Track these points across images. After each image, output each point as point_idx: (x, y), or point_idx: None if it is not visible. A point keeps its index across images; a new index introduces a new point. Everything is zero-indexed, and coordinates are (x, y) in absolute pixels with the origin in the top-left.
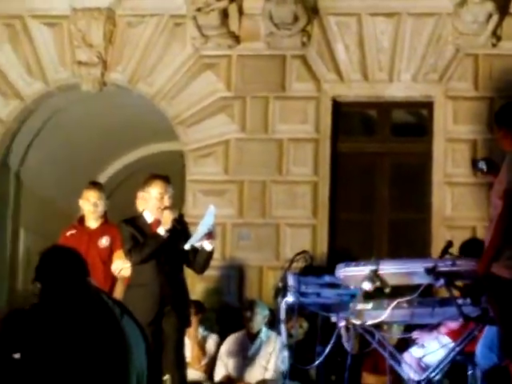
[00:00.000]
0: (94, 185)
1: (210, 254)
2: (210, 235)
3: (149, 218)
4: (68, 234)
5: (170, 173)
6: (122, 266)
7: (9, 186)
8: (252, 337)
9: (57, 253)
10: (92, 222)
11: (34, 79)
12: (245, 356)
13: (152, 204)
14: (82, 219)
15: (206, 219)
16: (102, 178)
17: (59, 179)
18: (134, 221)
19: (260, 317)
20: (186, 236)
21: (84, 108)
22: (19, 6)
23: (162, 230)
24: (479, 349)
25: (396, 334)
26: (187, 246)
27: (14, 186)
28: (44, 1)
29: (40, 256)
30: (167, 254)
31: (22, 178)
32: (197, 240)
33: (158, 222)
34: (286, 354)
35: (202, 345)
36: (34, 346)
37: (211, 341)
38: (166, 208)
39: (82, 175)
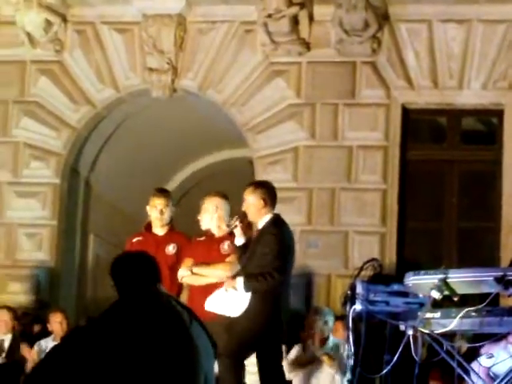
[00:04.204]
0: (161, 192)
1: None
2: None
3: None
4: (134, 240)
5: (238, 180)
6: (184, 274)
7: (78, 192)
8: (319, 344)
9: (130, 258)
10: (158, 229)
11: (105, 85)
12: (312, 364)
13: None
14: (148, 226)
15: None
16: (172, 185)
17: (129, 185)
18: None
19: (328, 324)
20: None
21: (154, 114)
22: (91, 12)
23: None
24: None
25: (464, 343)
26: None
27: (84, 191)
28: (115, 7)
29: (113, 260)
30: None
31: (92, 183)
32: None
33: None
34: (352, 362)
35: None
36: (106, 350)
37: None
38: None
39: (152, 181)
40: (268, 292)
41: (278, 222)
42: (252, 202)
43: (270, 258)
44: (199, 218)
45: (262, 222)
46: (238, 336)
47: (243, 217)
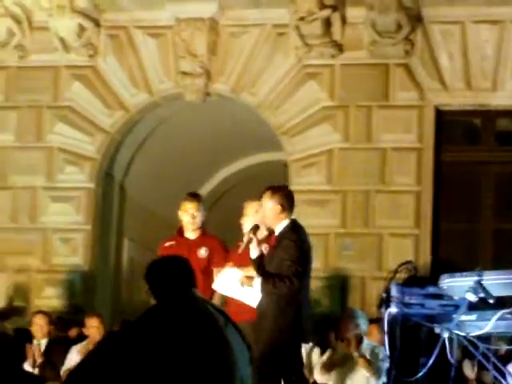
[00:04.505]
0: (193, 196)
1: None
2: None
3: None
4: (167, 244)
5: (273, 183)
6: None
7: (113, 196)
8: (353, 347)
9: (165, 262)
10: (190, 233)
11: (139, 90)
12: (346, 366)
13: None
14: (180, 230)
15: None
16: (206, 188)
17: (163, 189)
18: None
19: (361, 326)
20: None
21: (188, 118)
22: (124, 17)
23: None
24: None
25: (504, 345)
26: None
27: (118, 196)
28: (148, 12)
29: (149, 265)
30: None
31: (126, 187)
32: None
33: None
34: (388, 365)
35: None
36: (142, 355)
37: (314, 353)
38: None
39: (186, 185)
40: (290, 299)
41: (295, 228)
42: (270, 208)
43: (288, 263)
44: (241, 222)
45: (280, 227)
46: (263, 344)
47: (256, 228)
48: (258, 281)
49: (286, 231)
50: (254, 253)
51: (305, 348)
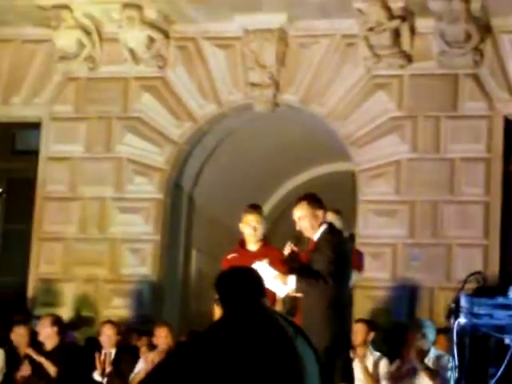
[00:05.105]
0: (254, 208)
1: None
2: None
3: None
4: (230, 257)
5: (341, 193)
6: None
7: (181, 207)
8: (421, 357)
9: (237, 273)
10: (252, 246)
11: (207, 101)
12: (413, 377)
13: None
14: (242, 242)
15: None
16: (275, 198)
17: (232, 200)
18: None
19: (428, 336)
20: None
21: (256, 129)
22: (193, 28)
23: None
24: None
25: None
26: None
27: (187, 206)
28: (217, 23)
29: (219, 275)
30: None
31: (195, 198)
32: None
33: None
34: (457, 375)
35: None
36: (212, 366)
37: (382, 363)
38: None
39: (255, 196)
40: (333, 303)
41: (332, 231)
42: (307, 216)
43: (325, 263)
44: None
45: (318, 233)
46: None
47: (297, 240)
48: (292, 278)
49: (324, 236)
50: (295, 264)
51: (383, 362)
